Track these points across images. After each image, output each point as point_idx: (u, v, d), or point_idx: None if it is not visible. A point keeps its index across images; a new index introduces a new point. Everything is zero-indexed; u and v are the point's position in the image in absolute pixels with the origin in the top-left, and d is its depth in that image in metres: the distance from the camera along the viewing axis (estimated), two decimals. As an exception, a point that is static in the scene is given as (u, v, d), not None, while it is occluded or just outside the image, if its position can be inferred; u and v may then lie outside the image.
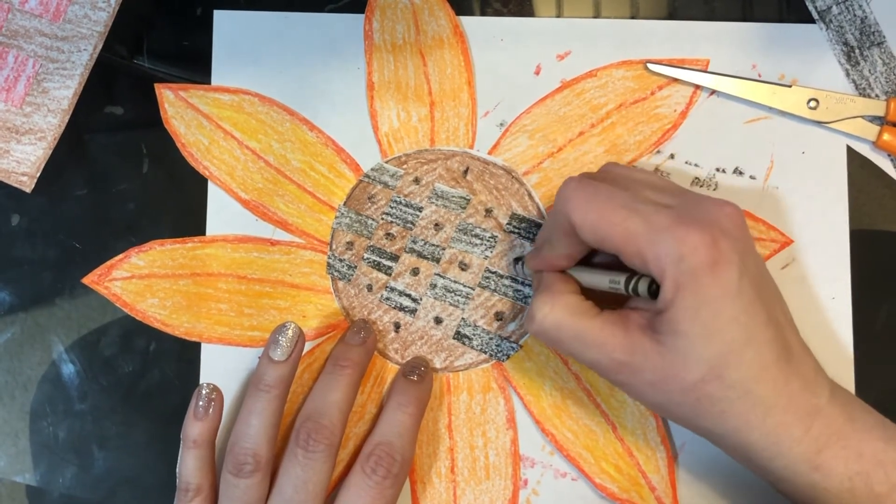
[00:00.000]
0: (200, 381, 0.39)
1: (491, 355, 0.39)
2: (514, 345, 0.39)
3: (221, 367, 0.39)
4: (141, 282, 0.40)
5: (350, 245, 0.40)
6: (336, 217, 0.40)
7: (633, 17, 0.41)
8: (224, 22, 0.41)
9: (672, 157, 0.40)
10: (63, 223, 0.41)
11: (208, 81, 0.41)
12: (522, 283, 0.39)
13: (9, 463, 0.40)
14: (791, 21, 0.40)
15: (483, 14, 0.41)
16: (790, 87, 0.39)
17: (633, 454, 0.38)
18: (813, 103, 0.39)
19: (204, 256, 0.40)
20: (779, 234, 0.39)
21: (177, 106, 0.41)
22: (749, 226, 0.39)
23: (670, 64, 0.40)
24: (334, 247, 0.40)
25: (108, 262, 0.40)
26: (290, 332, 0.36)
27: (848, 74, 0.40)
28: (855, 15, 0.40)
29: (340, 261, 0.40)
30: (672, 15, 0.41)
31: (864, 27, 0.39)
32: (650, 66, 0.40)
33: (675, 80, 0.40)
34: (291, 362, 0.36)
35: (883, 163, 0.40)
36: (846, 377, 0.38)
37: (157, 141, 0.41)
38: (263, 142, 0.40)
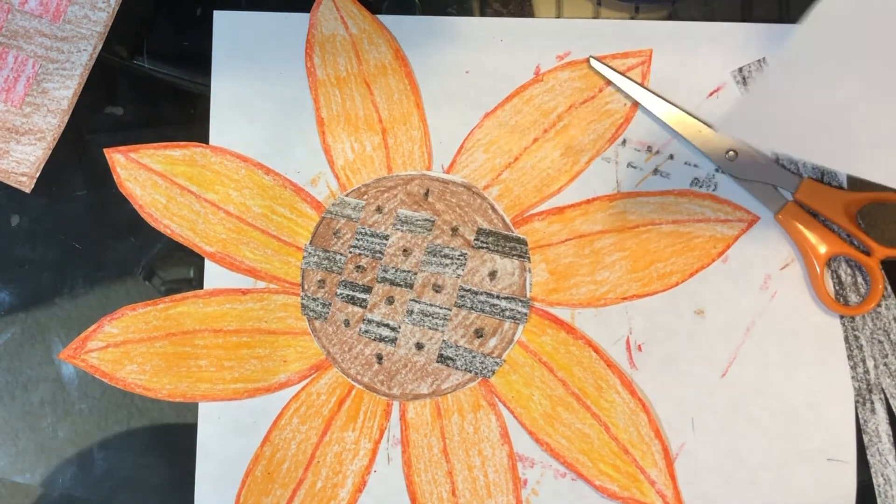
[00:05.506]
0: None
1: (476, 373, 0.39)
2: (497, 360, 0.39)
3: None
4: (117, 349, 0.39)
5: (322, 283, 0.40)
6: (304, 257, 0.40)
7: (632, 18, 0.40)
8: (224, 22, 0.41)
9: (671, 157, 0.40)
10: (63, 223, 0.41)
11: (208, 82, 0.41)
12: (497, 297, 0.39)
13: (9, 463, 0.40)
14: (791, 22, 0.40)
15: (483, 14, 0.41)
16: (715, 130, 0.39)
17: (629, 451, 0.38)
18: (731, 154, 0.39)
19: (177, 315, 0.39)
20: (745, 212, 0.39)
21: (129, 168, 0.40)
22: (714, 208, 0.39)
23: (612, 66, 0.40)
24: (306, 287, 0.40)
25: (82, 335, 0.39)
26: None
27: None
28: None
29: (314, 300, 0.40)
30: (671, 16, 0.40)
31: None
32: (592, 63, 0.40)
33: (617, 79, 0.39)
34: None
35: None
36: (844, 377, 0.38)
37: (157, 141, 0.41)
38: (221, 192, 0.40)
